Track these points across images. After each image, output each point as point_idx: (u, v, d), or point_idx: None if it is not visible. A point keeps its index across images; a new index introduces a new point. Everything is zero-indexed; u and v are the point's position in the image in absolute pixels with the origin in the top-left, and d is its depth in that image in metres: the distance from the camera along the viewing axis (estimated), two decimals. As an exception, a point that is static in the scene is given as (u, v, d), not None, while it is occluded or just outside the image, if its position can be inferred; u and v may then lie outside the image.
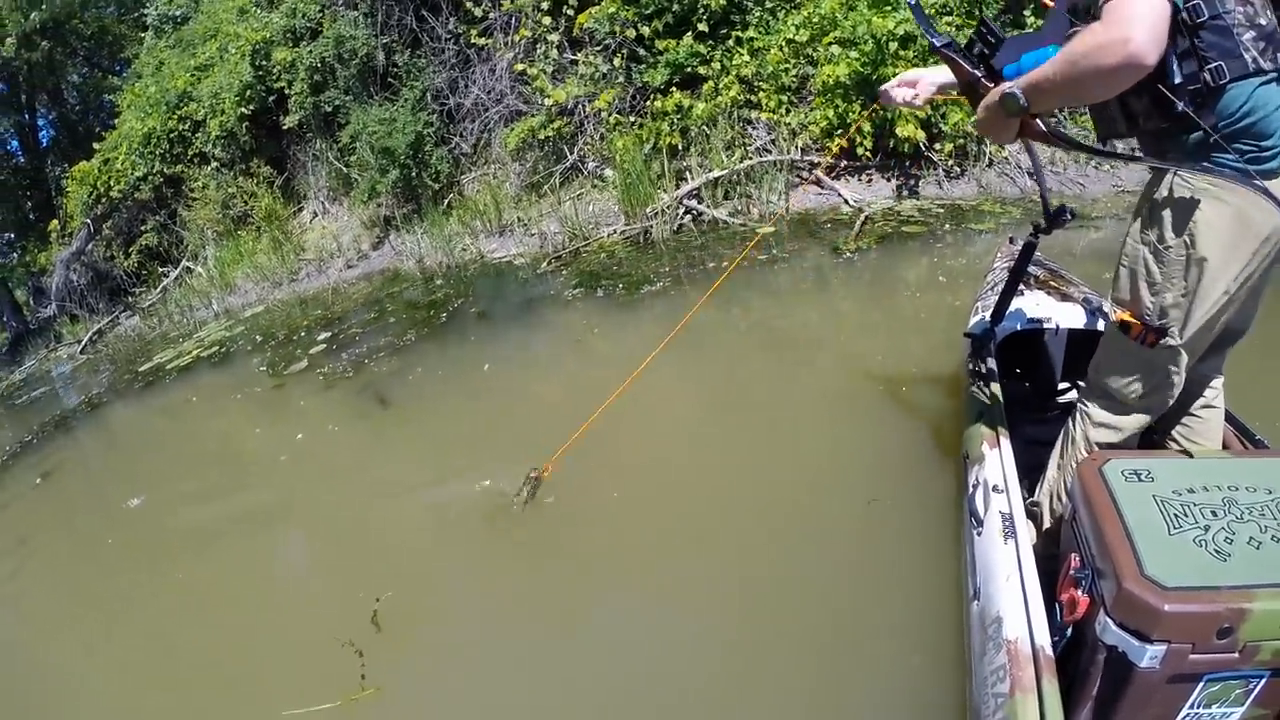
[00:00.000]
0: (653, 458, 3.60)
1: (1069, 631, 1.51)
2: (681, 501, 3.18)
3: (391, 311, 7.20)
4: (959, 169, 7.50)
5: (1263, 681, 1.36)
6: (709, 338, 4.68)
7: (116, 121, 12.41)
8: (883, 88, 2.30)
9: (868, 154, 7.41)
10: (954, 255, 5.41)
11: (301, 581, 3.52)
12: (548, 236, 7.76)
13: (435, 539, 3.42)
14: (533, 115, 8.49)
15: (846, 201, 7.33)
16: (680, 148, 7.82)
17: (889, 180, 7.67)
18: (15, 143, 15.03)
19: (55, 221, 12.81)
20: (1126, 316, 1.82)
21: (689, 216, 7.44)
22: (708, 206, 7.41)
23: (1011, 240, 3.45)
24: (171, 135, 11.41)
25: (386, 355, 5.94)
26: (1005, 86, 1.61)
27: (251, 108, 10.58)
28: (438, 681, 2.60)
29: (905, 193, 7.47)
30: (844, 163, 7.75)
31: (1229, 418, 2.15)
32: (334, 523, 3.85)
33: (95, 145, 12.38)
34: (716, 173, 7.52)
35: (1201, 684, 1.36)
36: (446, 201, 9.36)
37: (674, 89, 7.87)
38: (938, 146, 7.42)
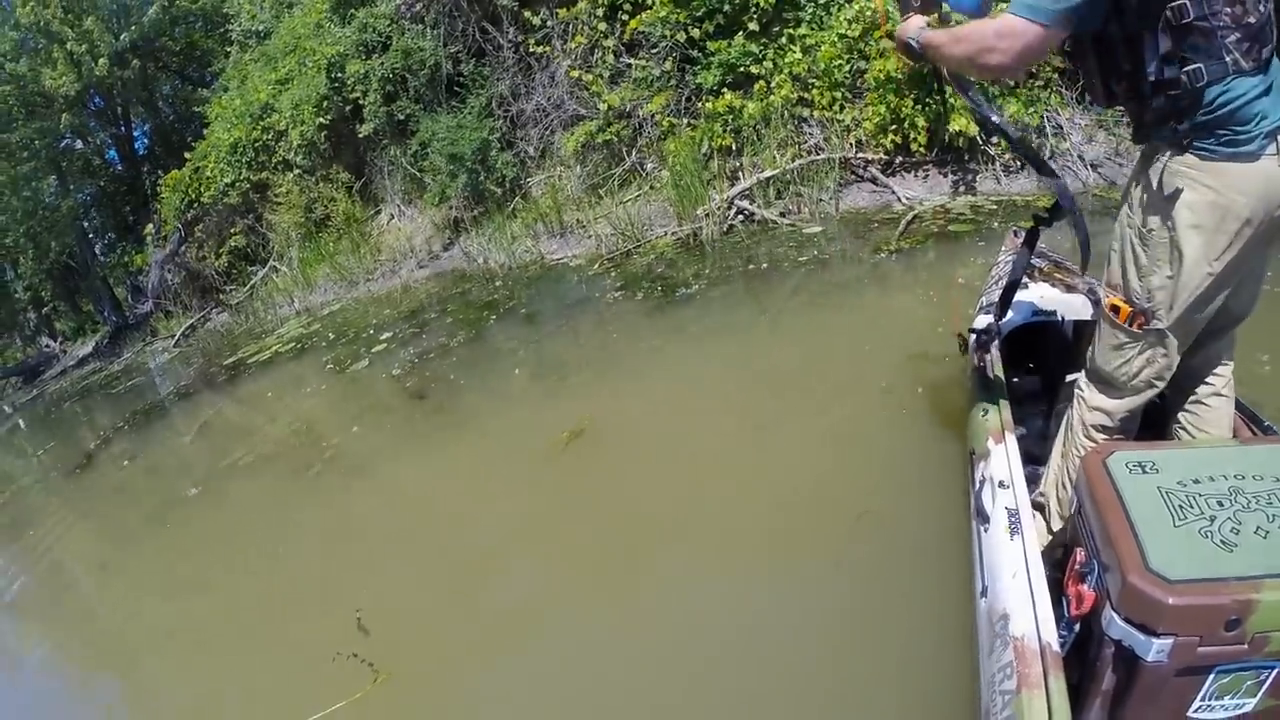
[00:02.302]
0: (674, 449, 3.75)
1: (1076, 627, 1.51)
2: (698, 491, 3.30)
3: (451, 312, 7.56)
4: (1017, 163, 7.41)
5: (1274, 672, 1.34)
6: (742, 335, 4.86)
7: (206, 132, 13.17)
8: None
9: (922, 150, 7.38)
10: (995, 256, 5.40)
11: (308, 582, 3.77)
12: (603, 239, 7.97)
13: (446, 534, 3.68)
14: (591, 120, 8.72)
15: (900, 199, 7.35)
16: (733, 148, 7.92)
17: (946, 176, 7.60)
18: (113, 152, 16.09)
19: (150, 226, 13.67)
20: (1116, 300, 1.87)
21: (740, 217, 7.56)
22: (759, 207, 7.51)
23: (1015, 233, 3.45)
24: (256, 144, 12.08)
25: (436, 356, 6.27)
26: (911, 31, 1.90)
27: (329, 117, 11.13)
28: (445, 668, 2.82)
29: (962, 188, 7.41)
30: (899, 159, 7.76)
31: (1239, 404, 2.14)
32: (358, 520, 4.18)
33: (187, 155, 13.18)
34: (768, 172, 7.60)
35: (1212, 676, 1.35)
36: (512, 204, 9.69)
37: (726, 90, 7.96)
38: (995, 140, 7.34)
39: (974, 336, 2.72)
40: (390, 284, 10.12)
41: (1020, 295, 2.72)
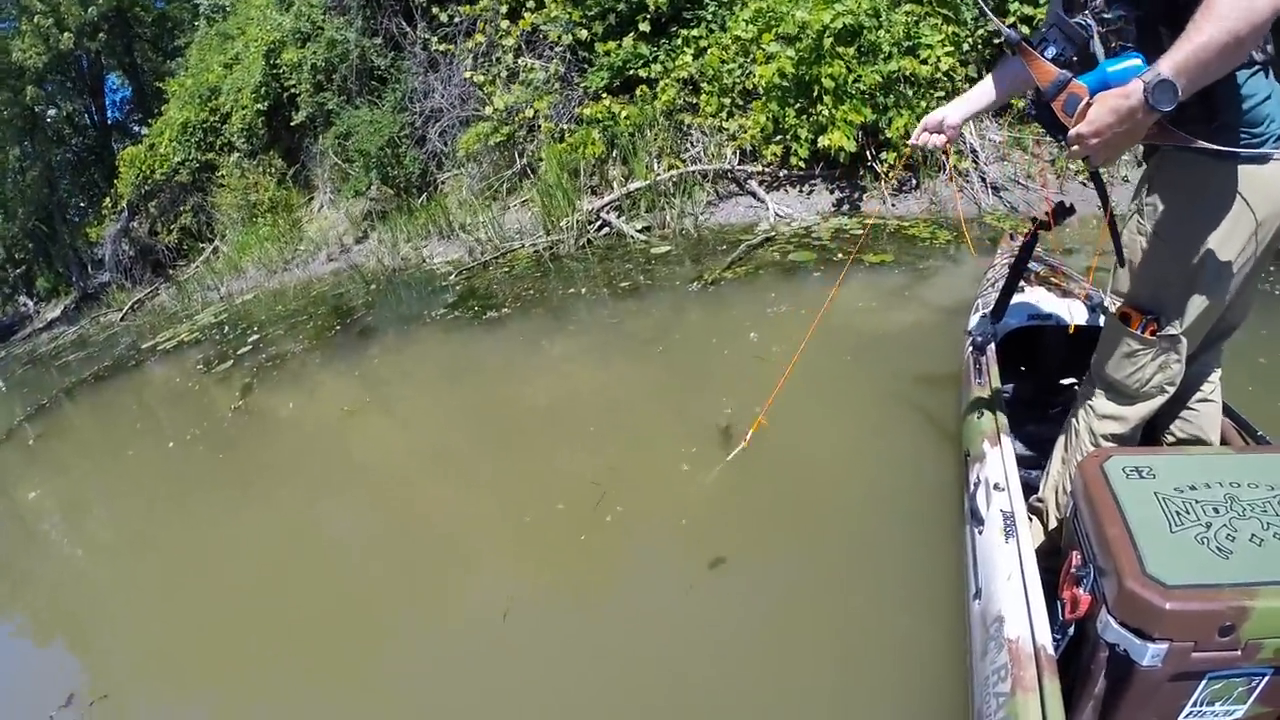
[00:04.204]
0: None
1: (1071, 630, 1.51)
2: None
3: (318, 315, 7.66)
4: (914, 180, 7.21)
5: (1265, 679, 1.35)
6: (497, 373, 4.91)
7: (164, 108, 13.46)
8: (910, 140, 2.23)
9: (801, 163, 7.16)
10: (798, 301, 5.11)
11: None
12: (479, 245, 8.00)
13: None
14: (486, 121, 8.69)
15: (771, 217, 7.22)
16: (609, 157, 7.85)
17: (831, 192, 7.41)
18: (88, 118, 16.50)
19: (108, 199, 14.06)
20: (1126, 308, 1.86)
21: (604, 231, 7.51)
22: (625, 221, 7.45)
23: (1011, 236, 3.44)
24: (204, 125, 12.40)
25: (278, 365, 6.37)
26: (1150, 76, 1.37)
27: (266, 104, 11.35)
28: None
29: (846, 206, 7.20)
30: (784, 172, 7.59)
31: (1231, 413, 2.17)
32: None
33: (144, 130, 13.51)
34: (638, 184, 7.54)
35: (1204, 682, 1.36)
36: (420, 201, 9.78)
37: (605, 95, 7.86)
38: (884, 156, 7.14)
39: (970, 339, 2.71)
40: (300, 276, 10.28)
41: (1016, 299, 2.75)
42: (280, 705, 2.69)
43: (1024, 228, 2.51)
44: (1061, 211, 2.24)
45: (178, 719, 2.79)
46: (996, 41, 6.71)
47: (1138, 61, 1.47)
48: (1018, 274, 2.49)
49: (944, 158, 6.79)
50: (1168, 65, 1.36)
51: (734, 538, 2.86)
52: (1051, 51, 1.61)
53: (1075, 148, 1.47)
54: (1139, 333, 1.83)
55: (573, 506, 3.26)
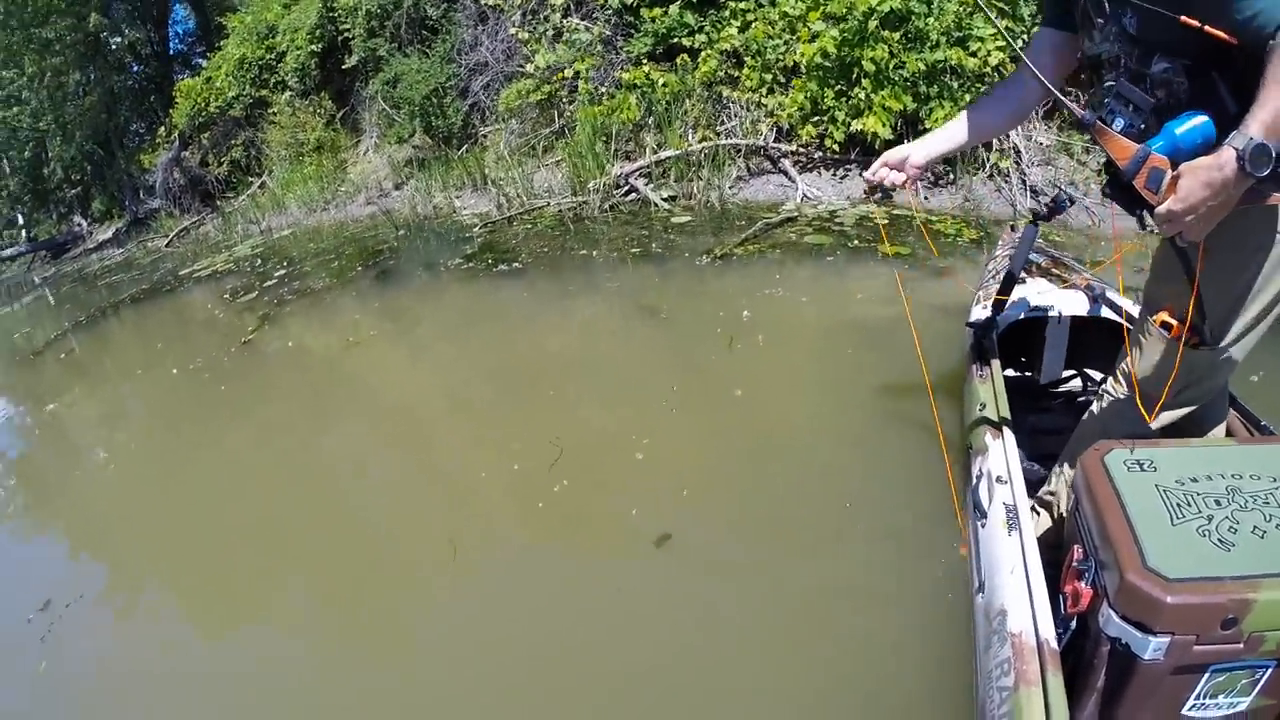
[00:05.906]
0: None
1: (1073, 624, 1.51)
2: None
3: (345, 255, 7.85)
4: (951, 174, 7.12)
5: (1269, 671, 1.35)
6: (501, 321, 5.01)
7: (223, 43, 13.71)
8: (866, 174, 2.08)
9: (835, 146, 7.09)
10: (798, 287, 5.08)
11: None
12: (507, 200, 8.09)
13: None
14: (528, 78, 8.74)
15: (804, 196, 7.21)
16: (645, 123, 7.86)
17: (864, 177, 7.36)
18: (150, 48, 16.84)
19: (162, 129, 14.37)
20: (1166, 317, 1.79)
21: (631, 196, 7.55)
22: (651, 188, 7.48)
23: (1012, 228, 3.44)
24: (260, 62, 12.60)
25: (296, 299, 6.57)
26: (1241, 142, 1.29)
27: (320, 46, 11.51)
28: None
29: (878, 194, 7.11)
30: (819, 154, 7.54)
31: (1237, 404, 2.16)
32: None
33: (205, 63, 13.78)
34: (669, 152, 7.55)
35: (1207, 675, 1.35)
36: (460, 152, 9.88)
37: (646, 61, 7.84)
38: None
39: (971, 331, 2.71)
40: (335, 216, 10.49)
41: (1017, 291, 2.76)
42: (235, 609, 2.85)
43: (1024, 220, 2.49)
44: (1059, 203, 2.22)
45: (144, 619, 2.96)
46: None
47: (1204, 119, 1.39)
48: (1018, 266, 2.47)
49: (905, 189, 6.63)
50: (1257, 127, 1.29)
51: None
52: (1120, 124, 1.54)
53: (1167, 225, 1.39)
54: (1181, 345, 1.76)
55: (529, 466, 3.31)
